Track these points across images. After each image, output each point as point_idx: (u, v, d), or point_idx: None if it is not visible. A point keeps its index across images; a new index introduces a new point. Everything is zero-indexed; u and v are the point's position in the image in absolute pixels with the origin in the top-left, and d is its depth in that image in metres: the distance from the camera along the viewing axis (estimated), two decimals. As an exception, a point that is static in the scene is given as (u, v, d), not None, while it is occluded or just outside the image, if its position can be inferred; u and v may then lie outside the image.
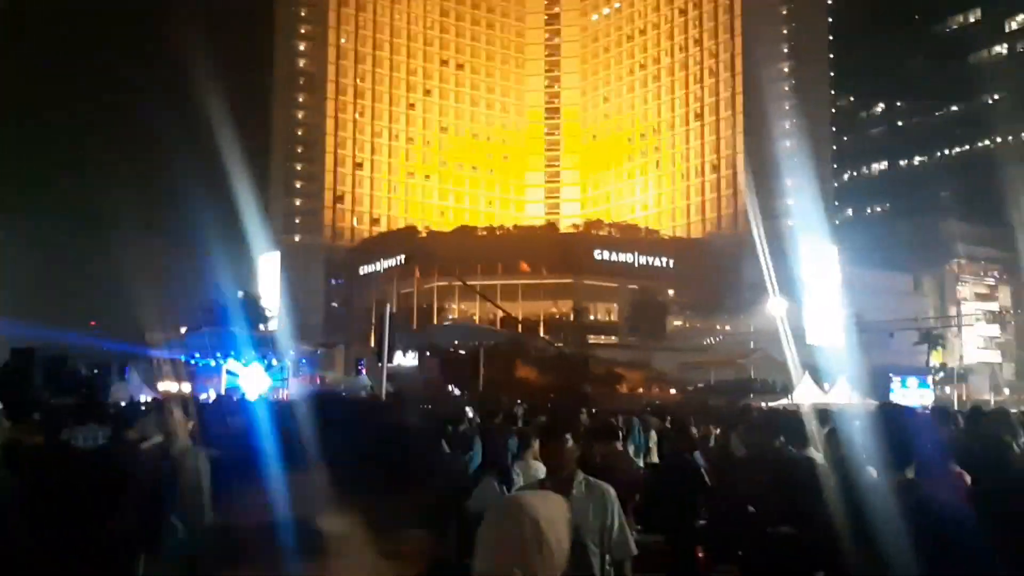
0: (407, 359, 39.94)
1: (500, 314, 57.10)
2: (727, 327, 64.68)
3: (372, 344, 45.37)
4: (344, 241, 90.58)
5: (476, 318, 64.93)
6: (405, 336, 46.20)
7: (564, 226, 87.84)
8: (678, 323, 72.05)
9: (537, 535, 1.65)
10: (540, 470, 6.48)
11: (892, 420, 3.14)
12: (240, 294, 57.00)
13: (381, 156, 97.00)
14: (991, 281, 75.79)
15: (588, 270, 71.69)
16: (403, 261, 72.16)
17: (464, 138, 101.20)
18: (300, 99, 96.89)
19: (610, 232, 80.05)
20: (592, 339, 64.31)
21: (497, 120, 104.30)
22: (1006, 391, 57.98)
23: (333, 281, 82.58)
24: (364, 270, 77.16)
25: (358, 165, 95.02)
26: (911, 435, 3.10)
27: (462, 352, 23.48)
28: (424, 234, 78.05)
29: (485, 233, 78.26)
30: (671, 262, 75.67)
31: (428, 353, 34.44)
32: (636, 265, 75.09)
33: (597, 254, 73.72)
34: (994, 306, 72.65)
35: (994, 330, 71.12)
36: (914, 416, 3.41)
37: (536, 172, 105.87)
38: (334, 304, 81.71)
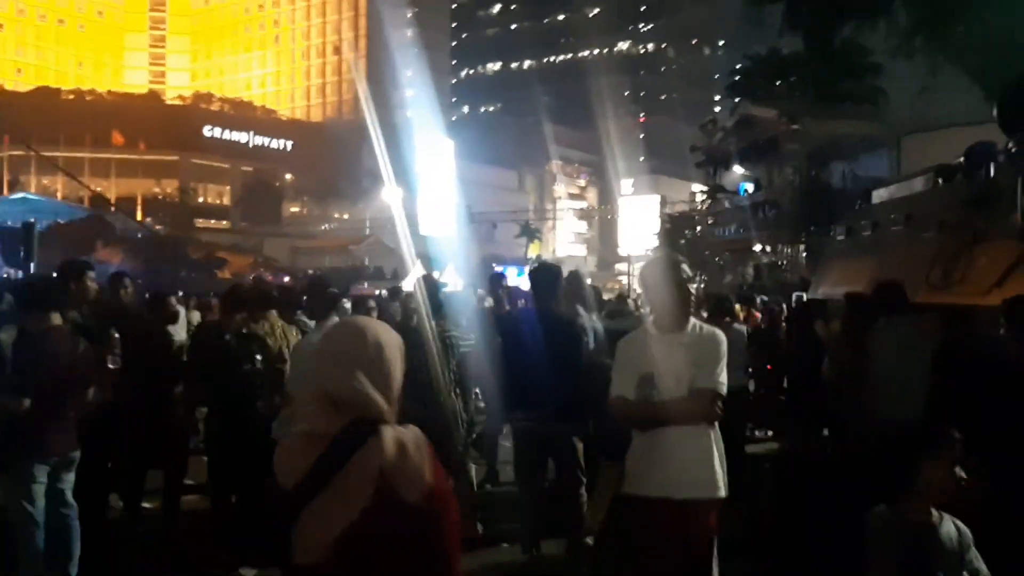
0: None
1: (92, 191, 50.29)
2: (345, 215, 64.02)
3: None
4: None
5: (59, 195, 56.74)
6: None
7: (170, 97, 79.52)
8: (295, 209, 69.90)
9: None
10: None
11: (546, 271, 5.03)
12: None
13: (-66, -5, 79.19)
14: (582, 182, 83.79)
15: (197, 147, 66.09)
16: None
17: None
18: None
19: (223, 108, 74.24)
20: (201, 223, 59.89)
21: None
22: (588, 280, 64.92)
23: None
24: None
25: (-100, 2, 76.70)
26: (556, 281, 4.92)
27: (9, 223, 19.57)
28: (-8, 93, 65.72)
29: (72, 98, 67.97)
30: (288, 145, 72.56)
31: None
32: (251, 145, 70.87)
33: (207, 131, 68.12)
34: (583, 205, 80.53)
35: (582, 226, 79.00)
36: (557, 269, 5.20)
37: (138, 34, 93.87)
38: None
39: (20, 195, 42.19)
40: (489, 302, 8.61)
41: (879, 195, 7.16)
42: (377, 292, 21.97)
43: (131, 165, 62.89)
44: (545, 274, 4.97)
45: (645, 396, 3.39)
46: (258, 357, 4.87)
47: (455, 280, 31.39)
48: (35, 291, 3.77)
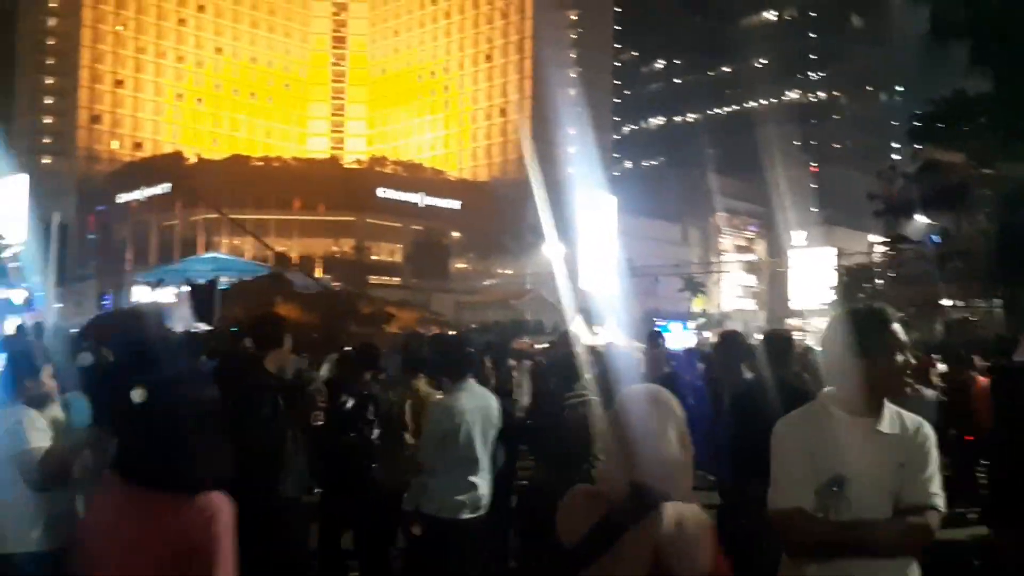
0: (160, 294, 36.31)
1: (275, 251, 53.85)
2: (508, 270, 65.01)
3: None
4: (102, 166, 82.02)
5: (247, 254, 61.04)
6: (162, 270, 42.17)
7: (348, 162, 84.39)
8: (461, 265, 71.73)
9: None
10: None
11: (779, 339, 4.92)
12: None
13: (146, 75, 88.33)
14: (750, 234, 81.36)
15: (371, 208, 69.46)
16: (167, 190, 66.45)
17: (242, 62, 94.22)
18: (51, 4, 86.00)
19: (395, 170, 77.83)
20: (374, 279, 62.54)
21: (279, 45, 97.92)
22: (758, 336, 62.34)
23: (100, 207, 74.39)
24: (123, 198, 70.19)
25: (119, 83, 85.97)
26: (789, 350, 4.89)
27: (201, 281, 21.00)
28: (192, 161, 72.00)
29: (261, 164, 73.40)
30: (456, 204, 74.90)
31: (184, 288, 31.26)
32: (421, 205, 73.70)
33: (381, 192, 71.47)
34: (751, 257, 78.01)
35: (750, 280, 76.41)
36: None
37: (320, 104, 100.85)
38: (92, 235, 73.97)
39: (211, 255, 45.57)
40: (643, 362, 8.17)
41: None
42: (535, 346, 21.77)
43: (312, 226, 66.78)
44: (778, 342, 4.92)
45: (829, 508, 2.36)
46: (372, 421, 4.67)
47: (616, 335, 30.87)
48: (153, 352, 3.70)
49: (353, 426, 4.69)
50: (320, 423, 4.67)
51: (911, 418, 2.52)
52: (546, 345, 11.32)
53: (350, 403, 4.81)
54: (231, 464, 2.32)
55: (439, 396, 4.87)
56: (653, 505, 1.83)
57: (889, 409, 2.49)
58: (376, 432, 4.75)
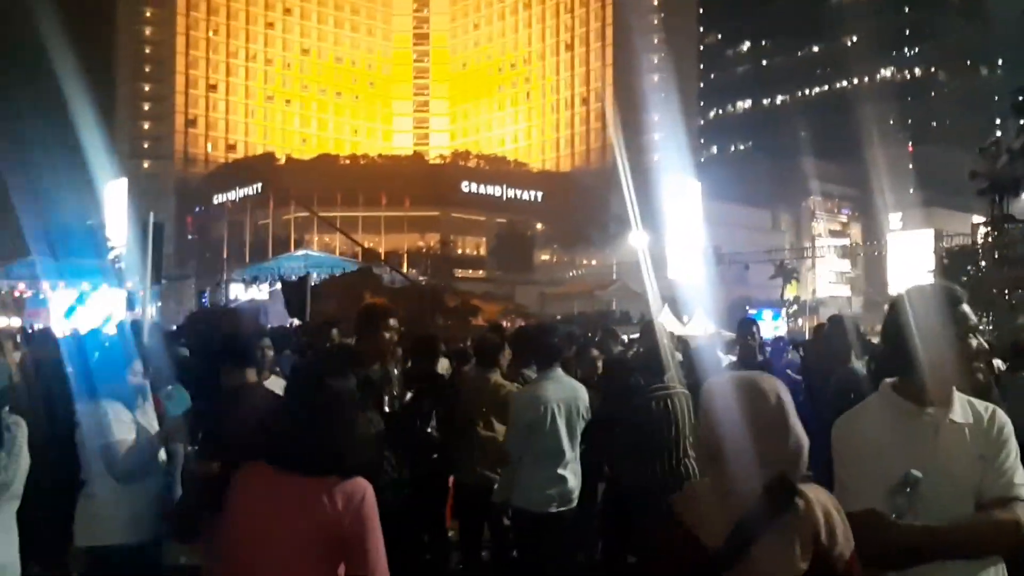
0: (255, 291, 37.50)
1: (363, 247, 54.98)
2: (592, 260, 64.70)
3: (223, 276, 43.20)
4: (198, 168, 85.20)
5: (336, 250, 62.43)
6: (256, 268, 43.57)
7: (432, 157, 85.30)
8: (545, 257, 71.71)
9: None
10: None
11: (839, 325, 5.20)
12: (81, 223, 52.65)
13: (237, 78, 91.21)
14: (844, 218, 78.85)
15: (456, 203, 70.04)
16: (259, 190, 68.45)
17: (327, 62, 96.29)
18: (147, 14, 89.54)
19: (478, 164, 78.27)
20: (460, 273, 63.11)
21: (362, 44, 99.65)
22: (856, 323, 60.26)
23: (198, 208, 77.31)
24: (218, 199, 72.68)
25: (212, 87, 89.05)
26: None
27: (294, 278, 21.60)
28: (282, 162, 74.02)
29: (348, 162, 74.90)
30: (539, 195, 74.85)
31: (277, 285, 32.26)
32: (504, 198, 73.94)
33: (465, 186, 72.00)
34: (846, 242, 75.56)
35: (845, 265, 74.08)
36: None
37: (404, 100, 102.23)
38: (190, 236, 76.95)
39: (303, 252, 46.77)
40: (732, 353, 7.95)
41: None
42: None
43: (398, 221, 67.82)
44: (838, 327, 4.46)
45: (903, 509, 2.11)
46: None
47: (705, 324, 30.28)
48: (231, 346, 3.73)
49: (410, 419, 4.67)
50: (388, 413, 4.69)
51: (982, 405, 2.28)
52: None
53: (407, 396, 4.79)
54: (376, 449, 2.35)
55: (514, 387, 4.81)
56: (794, 492, 1.79)
57: (959, 397, 2.26)
58: (432, 424, 4.71)
